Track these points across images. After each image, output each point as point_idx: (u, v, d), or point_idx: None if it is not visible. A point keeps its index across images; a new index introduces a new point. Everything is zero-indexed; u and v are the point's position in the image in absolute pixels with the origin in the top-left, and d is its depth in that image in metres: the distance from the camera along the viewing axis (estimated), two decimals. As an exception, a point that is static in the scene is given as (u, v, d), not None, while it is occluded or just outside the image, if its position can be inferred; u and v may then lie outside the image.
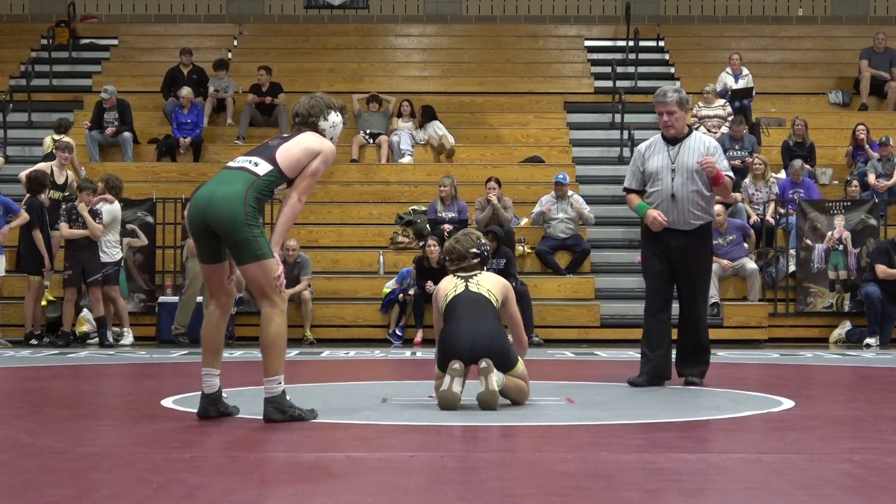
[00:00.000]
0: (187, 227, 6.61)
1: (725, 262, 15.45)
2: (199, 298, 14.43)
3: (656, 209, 8.61)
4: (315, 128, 6.88)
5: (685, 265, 8.65)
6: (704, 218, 8.66)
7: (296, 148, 6.69)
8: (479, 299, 7.30)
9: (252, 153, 6.71)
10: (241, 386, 8.95)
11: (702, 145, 8.67)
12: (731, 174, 8.70)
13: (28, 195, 14.79)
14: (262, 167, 6.53)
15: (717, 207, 15.80)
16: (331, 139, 6.97)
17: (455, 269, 7.50)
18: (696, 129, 17.94)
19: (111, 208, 14.59)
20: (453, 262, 7.52)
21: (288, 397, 6.51)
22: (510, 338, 7.53)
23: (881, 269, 14.72)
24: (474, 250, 7.49)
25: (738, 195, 16.42)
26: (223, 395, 6.67)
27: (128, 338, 14.56)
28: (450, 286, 7.41)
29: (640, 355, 8.83)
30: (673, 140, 8.65)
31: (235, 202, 6.35)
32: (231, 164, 6.68)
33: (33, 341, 14.28)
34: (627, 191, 8.95)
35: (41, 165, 15.76)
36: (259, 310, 6.58)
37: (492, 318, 7.25)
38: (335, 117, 7.00)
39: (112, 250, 14.57)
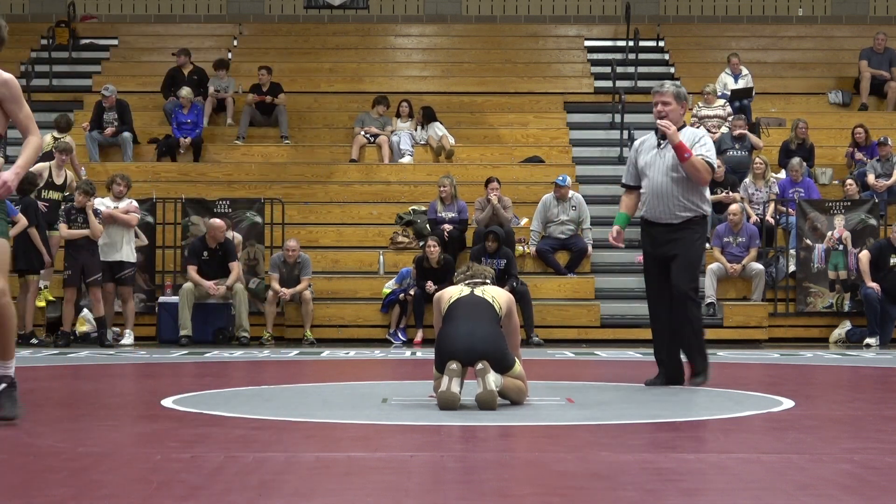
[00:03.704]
0: None
1: (735, 266, 15.47)
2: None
3: (646, 203, 8.61)
4: None
5: (671, 259, 8.54)
6: (694, 211, 8.56)
7: None
8: (481, 303, 7.31)
9: None
10: (240, 386, 8.96)
11: (690, 139, 8.57)
12: (709, 159, 8.49)
13: (19, 195, 14.78)
14: None
15: (734, 206, 15.83)
16: None
17: (464, 278, 7.53)
18: (696, 128, 17.86)
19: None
20: (466, 275, 7.55)
21: None
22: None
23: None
24: (487, 274, 7.59)
25: (736, 195, 16.43)
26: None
27: (128, 338, 14.58)
28: (455, 291, 7.45)
29: (650, 356, 8.84)
30: (664, 135, 8.61)
31: None
32: None
33: (34, 340, 14.28)
34: (624, 186, 8.97)
35: (40, 165, 15.76)
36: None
37: (490, 320, 7.25)
38: None
39: (131, 250, 14.75)
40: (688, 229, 8.55)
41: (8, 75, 6.33)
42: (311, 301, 15.00)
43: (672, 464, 5.10)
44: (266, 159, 18.88)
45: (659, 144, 8.65)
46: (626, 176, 8.90)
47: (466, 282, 7.51)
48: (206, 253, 14.77)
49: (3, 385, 6.15)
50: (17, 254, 14.53)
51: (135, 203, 15.01)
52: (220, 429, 6.25)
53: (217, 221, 14.79)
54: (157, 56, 21.68)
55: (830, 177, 18.03)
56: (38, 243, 14.25)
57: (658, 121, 8.55)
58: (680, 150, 8.43)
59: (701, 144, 8.54)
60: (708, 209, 8.74)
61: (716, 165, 8.61)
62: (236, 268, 14.81)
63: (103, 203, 14.68)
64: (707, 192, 8.75)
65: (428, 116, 19.10)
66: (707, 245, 13.75)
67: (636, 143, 8.93)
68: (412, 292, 15.00)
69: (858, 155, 17.96)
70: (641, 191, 8.72)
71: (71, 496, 4.31)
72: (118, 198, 14.89)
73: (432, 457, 5.34)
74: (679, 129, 8.59)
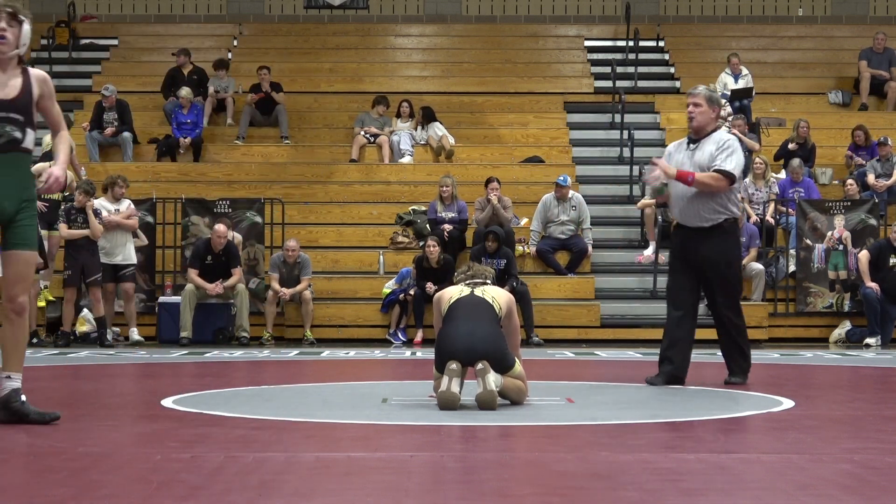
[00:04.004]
0: None
1: None
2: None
3: (673, 207, 8.77)
4: None
5: (702, 263, 8.64)
6: (721, 215, 8.63)
7: None
8: (481, 303, 7.31)
9: None
10: (240, 386, 8.96)
11: (715, 144, 8.64)
12: (722, 166, 8.52)
13: None
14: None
15: None
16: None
17: (465, 278, 7.53)
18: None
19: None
20: (467, 275, 7.55)
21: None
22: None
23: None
24: (487, 275, 7.60)
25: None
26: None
27: (135, 335, 14.65)
28: (455, 291, 7.45)
29: (650, 356, 8.86)
30: (695, 139, 8.72)
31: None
32: None
33: (34, 340, 14.28)
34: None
35: (39, 165, 15.75)
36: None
37: (490, 321, 7.25)
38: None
39: (131, 250, 14.80)
40: (716, 235, 8.60)
41: (45, 73, 6.47)
42: (311, 301, 15.00)
43: (672, 464, 5.10)
44: (266, 159, 18.88)
45: (688, 150, 8.73)
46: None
47: (467, 282, 7.51)
48: (209, 257, 14.76)
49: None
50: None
51: (132, 205, 15.06)
52: (220, 429, 6.25)
53: (220, 228, 14.77)
54: (157, 56, 21.68)
55: (830, 177, 18.04)
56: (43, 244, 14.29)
57: (648, 172, 8.64)
58: (682, 179, 8.51)
59: (720, 150, 8.59)
60: (737, 211, 8.81)
61: (732, 170, 8.54)
62: (238, 273, 14.83)
63: (103, 206, 14.69)
64: (736, 195, 8.84)
65: (428, 116, 19.10)
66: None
67: (672, 145, 9.05)
68: (412, 292, 15.00)
69: (858, 159, 17.96)
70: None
71: (71, 496, 4.32)
72: (117, 199, 14.92)
73: (432, 457, 5.34)
74: (711, 132, 8.70)
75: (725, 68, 19.91)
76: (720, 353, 9.03)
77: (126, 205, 14.95)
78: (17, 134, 6.19)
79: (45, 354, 12.73)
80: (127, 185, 15.16)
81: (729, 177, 8.56)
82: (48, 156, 16.45)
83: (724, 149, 8.60)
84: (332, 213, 17.38)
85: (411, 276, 15.22)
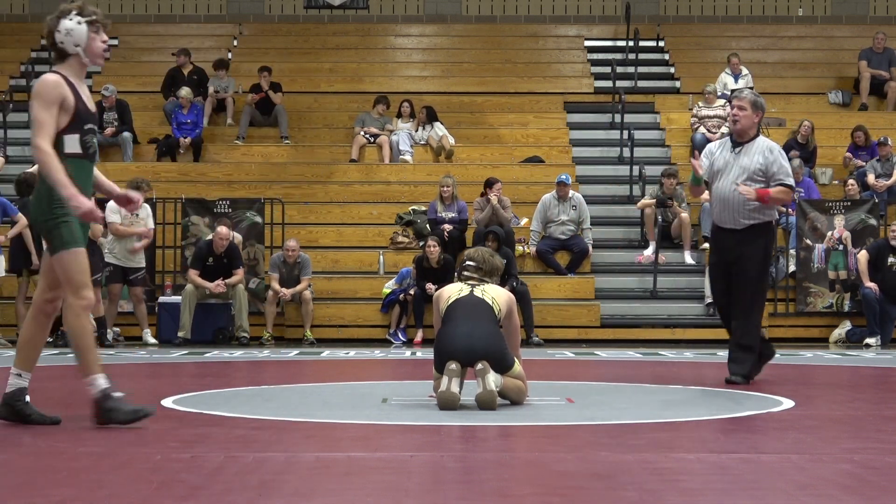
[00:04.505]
0: None
1: None
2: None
3: (713, 209, 8.96)
4: (55, 44, 6.41)
5: (734, 263, 8.79)
6: (758, 218, 8.79)
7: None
8: (481, 304, 7.30)
9: None
10: (240, 386, 8.96)
11: (760, 154, 8.80)
12: (786, 181, 8.76)
13: (20, 197, 14.79)
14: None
15: None
16: (76, 46, 6.42)
17: (469, 276, 7.48)
18: (696, 129, 17.89)
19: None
20: (478, 271, 7.49)
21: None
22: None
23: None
24: (500, 270, 7.59)
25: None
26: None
27: (148, 337, 14.68)
28: (454, 290, 7.42)
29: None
30: (739, 142, 8.86)
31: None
32: None
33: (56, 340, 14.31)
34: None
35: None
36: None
37: (489, 321, 7.24)
38: (68, 23, 6.40)
39: (142, 254, 14.81)
40: (751, 237, 8.76)
41: None
42: (311, 301, 15.00)
43: (672, 464, 5.10)
44: (266, 159, 18.88)
45: (732, 153, 8.86)
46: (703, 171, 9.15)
47: (467, 281, 7.48)
48: (211, 259, 14.76)
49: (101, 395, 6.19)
50: (17, 254, 14.53)
51: (150, 211, 15.03)
52: (220, 429, 6.25)
53: (222, 230, 14.75)
54: (157, 56, 21.68)
55: (830, 177, 18.04)
56: (28, 244, 14.25)
57: (741, 188, 8.71)
58: (761, 199, 8.68)
59: (774, 163, 8.77)
60: (774, 214, 9.05)
61: (791, 181, 8.83)
62: (239, 274, 14.82)
63: (119, 212, 14.50)
64: None
65: (430, 116, 19.11)
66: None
67: (714, 144, 9.17)
68: (412, 292, 15.01)
69: (857, 161, 17.96)
70: (707, 191, 9.07)
71: (71, 496, 4.31)
72: None
73: (432, 457, 5.34)
74: (752, 138, 8.87)
75: (725, 68, 19.92)
76: (725, 353, 9.04)
77: (146, 212, 14.87)
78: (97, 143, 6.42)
79: (45, 354, 12.69)
80: (150, 188, 14.97)
81: (792, 188, 8.89)
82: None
83: (776, 160, 8.80)
84: (332, 213, 17.38)
85: (411, 276, 15.23)
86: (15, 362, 6.32)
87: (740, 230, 8.77)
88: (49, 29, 6.38)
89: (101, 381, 6.17)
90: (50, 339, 14.49)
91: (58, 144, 6.17)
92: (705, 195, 16.28)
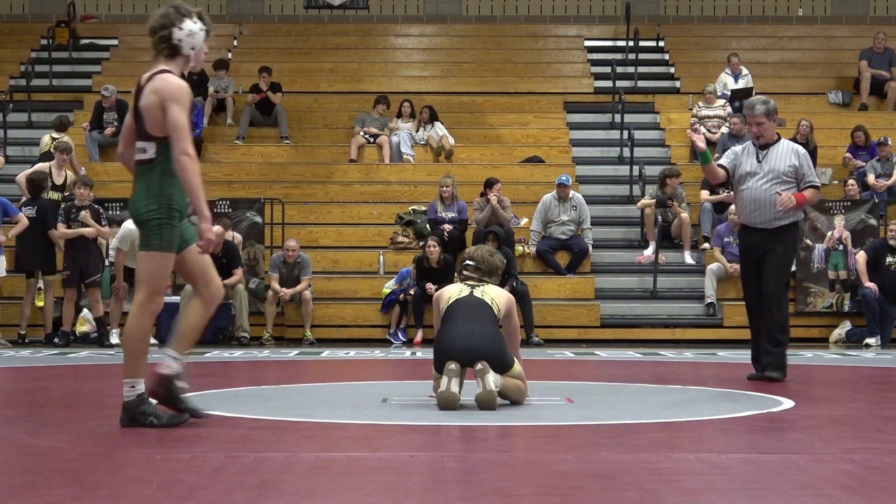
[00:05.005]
0: None
1: (735, 266, 15.44)
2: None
3: (743, 210, 9.18)
4: (170, 40, 6.25)
5: (763, 259, 9.06)
6: (788, 219, 9.09)
7: (150, 105, 6.18)
8: (480, 304, 7.30)
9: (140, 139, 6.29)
10: (240, 386, 8.96)
11: (789, 156, 9.08)
12: (816, 182, 9.12)
13: (29, 197, 14.80)
14: (149, 150, 6.21)
15: (734, 206, 15.80)
16: (191, 49, 6.30)
17: (469, 275, 7.48)
18: (696, 129, 17.98)
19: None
20: (477, 271, 7.49)
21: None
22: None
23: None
24: (500, 269, 7.58)
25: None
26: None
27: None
28: (454, 291, 7.42)
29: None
30: (763, 146, 9.14)
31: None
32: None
33: (57, 340, 14.28)
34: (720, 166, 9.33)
35: (40, 165, 15.76)
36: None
37: (489, 321, 7.24)
38: (192, 24, 6.27)
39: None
40: (780, 235, 9.04)
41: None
42: (311, 301, 15.00)
43: (672, 464, 5.10)
44: (266, 159, 18.88)
45: (757, 157, 9.12)
46: (722, 159, 9.33)
47: (468, 281, 7.48)
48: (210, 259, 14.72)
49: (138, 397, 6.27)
50: (27, 255, 14.49)
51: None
52: (220, 429, 6.25)
53: (217, 230, 14.70)
54: (158, 56, 21.64)
55: (830, 177, 18.04)
56: (57, 244, 14.31)
57: (782, 199, 8.97)
58: (799, 205, 9.03)
59: (801, 164, 9.09)
60: (801, 214, 9.39)
61: (819, 182, 9.24)
62: (239, 273, 14.80)
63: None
64: None
65: (431, 116, 19.11)
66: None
67: (738, 148, 9.39)
68: (412, 292, 15.01)
69: (857, 162, 17.97)
70: (736, 197, 9.29)
71: (71, 496, 4.31)
72: None
73: (432, 457, 5.34)
74: (774, 142, 9.16)
75: (725, 68, 19.92)
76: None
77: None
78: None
79: (45, 354, 12.74)
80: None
81: (819, 188, 9.22)
82: (47, 156, 16.48)
83: (805, 163, 9.11)
84: (332, 213, 17.38)
85: (411, 276, 15.23)
86: (173, 345, 6.54)
87: (770, 229, 9.06)
88: (163, 23, 6.24)
89: (140, 387, 6.28)
90: (56, 340, 14.48)
91: (170, 148, 6.11)
92: (705, 194, 16.48)
